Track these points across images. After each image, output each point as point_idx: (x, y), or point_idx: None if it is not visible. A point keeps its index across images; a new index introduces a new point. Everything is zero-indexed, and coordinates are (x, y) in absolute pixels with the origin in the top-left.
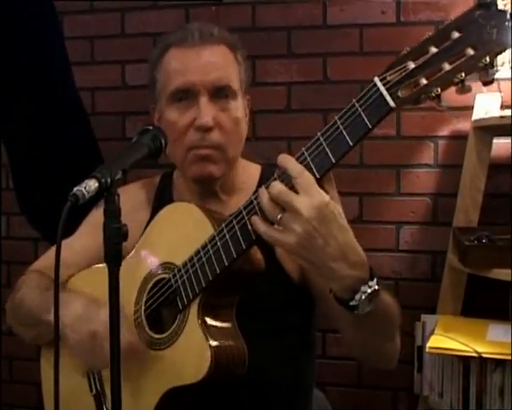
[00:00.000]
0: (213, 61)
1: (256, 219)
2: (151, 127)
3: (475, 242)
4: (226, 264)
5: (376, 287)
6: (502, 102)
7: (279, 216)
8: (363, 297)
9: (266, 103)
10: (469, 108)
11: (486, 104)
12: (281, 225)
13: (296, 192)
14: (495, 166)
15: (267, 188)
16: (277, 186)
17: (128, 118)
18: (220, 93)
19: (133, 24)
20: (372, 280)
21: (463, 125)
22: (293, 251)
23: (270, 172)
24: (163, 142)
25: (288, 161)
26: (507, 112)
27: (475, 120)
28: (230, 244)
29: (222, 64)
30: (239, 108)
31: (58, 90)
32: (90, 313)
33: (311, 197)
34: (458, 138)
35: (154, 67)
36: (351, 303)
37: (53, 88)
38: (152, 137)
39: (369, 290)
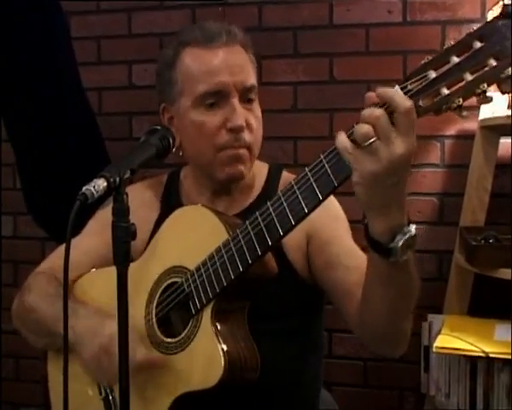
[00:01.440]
0: (239, 62)
1: (342, 135)
2: (159, 127)
3: (482, 241)
4: (241, 269)
5: (413, 232)
6: (509, 102)
7: (373, 139)
8: (403, 241)
9: (272, 103)
10: (476, 108)
11: (493, 104)
12: (368, 149)
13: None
14: (501, 165)
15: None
16: (380, 111)
17: (135, 118)
18: (248, 94)
19: (140, 24)
20: (409, 226)
21: (470, 125)
22: (367, 181)
23: (276, 171)
24: (171, 142)
25: (394, 93)
26: None
27: (482, 120)
28: (245, 250)
29: (245, 65)
30: (259, 107)
31: (65, 90)
32: (100, 325)
33: (410, 139)
34: (465, 138)
35: (169, 67)
36: (391, 245)
37: (59, 88)
38: (160, 137)
39: (408, 234)
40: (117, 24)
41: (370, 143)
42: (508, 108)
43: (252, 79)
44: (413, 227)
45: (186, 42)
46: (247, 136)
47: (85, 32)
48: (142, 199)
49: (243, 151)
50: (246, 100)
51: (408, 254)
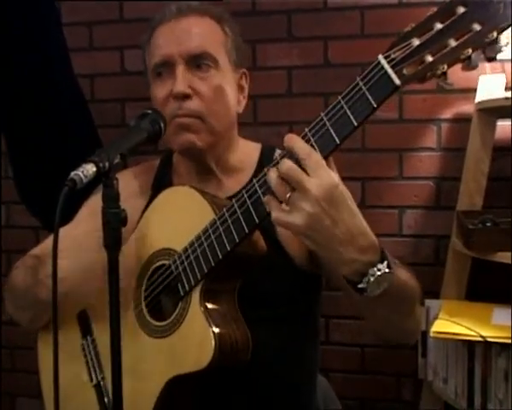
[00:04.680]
0: (189, 31)
1: (269, 199)
2: (150, 111)
3: (479, 225)
4: (228, 249)
5: (386, 270)
6: (506, 84)
7: (288, 195)
8: (372, 280)
9: (267, 88)
10: (472, 91)
11: (490, 86)
12: (289, 204)
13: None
14: (499, 148)
15: (276, 165)
16: (287, 163)
17: (128, 104)
18: (198, 61)
19: (132, 9)
20: (382, 263)
21: (467, 108)
22: (301, 232)
23: (270, 152)
24: (162, 126)
25: (295, 142)
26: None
27: (479, 102)
28: (233, 229)
29: (199, 33)
30: (224, 77)
31: (56, 77)
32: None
33: (321, 178)
34: (461, 121)
35: (144, 52)
36: (359, 286)
37: (50, 76)
38: (151, 121)
39: (378, 273)
40: (109, 9)
41: (289, 198)
42: (505, 89)
43: (206, 47)
44: (385, 264)
45: (155, 24)
46: (193, 104)
47: (77, 17)
48: (133, 185)
49: (190, 120)
50: (195, 67)
51: (383, 288)
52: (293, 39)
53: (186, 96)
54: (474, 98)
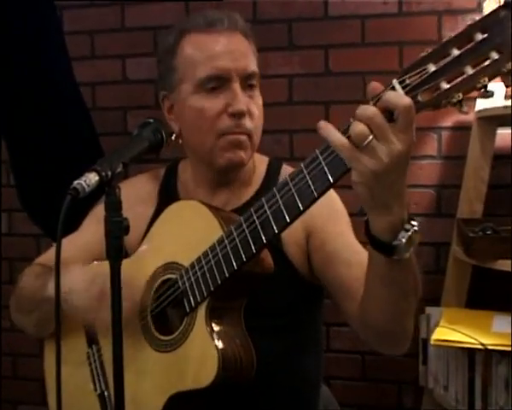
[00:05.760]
0: (241, 49)
1: (336, 134)
2: (152, 120)
3: (480, 233)
4: (235, 267)
5: (416, 228)
6: (506, 92)
7: (369, 138)
8: (406, 237)
9: (268, 96)
10: (472, 99)
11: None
12: (366, 149)
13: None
14: (499, 156)
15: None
16: (372, 108)
17: (129, 112)
18: (249, 80)
19: (133, 18)
20: (411, 221)
21: (467, 116)
22: (368, 180)
23: (277, 165)
24: (164, 135)
25: (393, 96)
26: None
27: (479, 111)
28: (240, 247)
29: (246, 51)
30: (260, 96)
31: (58, 86)
32: (96, 273)
33: (409, 136)
34: (462, 129)
35: (169, 55)
36: (394, 243)
37: (53, 85)
38: (153, 130)
39: (410, 230)
40: (110, 17)
41: (368, 143)
42: (505, 98)
43: (253, 66)
44: (415, 223)
45: (187, 29)
46: (247, 122)
47: (78, 26)
48: (138, 194)
49: (244, 137)
50: (247, 86)
51: (411, 251)
52: (294, 48)
53: (243, 114)
54: (474, 107)
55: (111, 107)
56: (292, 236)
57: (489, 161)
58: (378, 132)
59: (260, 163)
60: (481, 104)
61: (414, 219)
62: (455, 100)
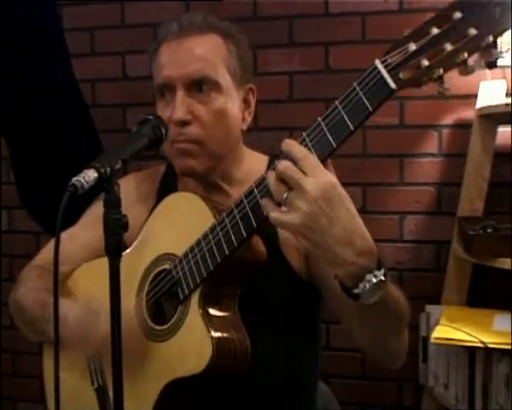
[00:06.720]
0: (190, 53)
1: (266, 201)
2: (151, 117)
3: (480, 231)
4: (227, 253)
5: (382, 278)
6: (507, 90)
7: (285, 195)
8: (368, 287)
9: (268, 93)
10: (473, 96)
11: (491, 92)
12: (286, 204)
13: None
14: (500, 154)
15: (274, 168)
16: (284, 163)
17: (129, 109)
18: (198, 85)
19: (133, 15)
20: (379, 270)
21: (467, 114)
22: (298, 231)
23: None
24: (163, 131)
25: (292, 145)
26: None
27: (480, 108)
28: (231, 233)
29: (200, 55)
30: (227, 99)
31: (56, 77)
32: (94, 323)
33: (318, 177)
34: (462, 127)
35: (151, 63)
36: (354, 291)
37: (52, 81)
38: (152, 127)
39: (374, 280)
40: (110, 14)
41: (286, 198)
42: (506, 95)
43: (206, 70)
44: (382, 272)
45: (161, 38)
46: (192, 130)
47: (78, 23)
48: (138, 190)
49: (189, 145)
50: (196, 90)
51: (378, 297)
52: (295, 45)
53: (185, 123)
54: (474, 104)
55: (111, 104)
56: (289, 235)
57: (490, 158)
58: (292, 184)
59: (260, 161)
60: (482, 102)
61: (383, 268)
62: (435, 76)
